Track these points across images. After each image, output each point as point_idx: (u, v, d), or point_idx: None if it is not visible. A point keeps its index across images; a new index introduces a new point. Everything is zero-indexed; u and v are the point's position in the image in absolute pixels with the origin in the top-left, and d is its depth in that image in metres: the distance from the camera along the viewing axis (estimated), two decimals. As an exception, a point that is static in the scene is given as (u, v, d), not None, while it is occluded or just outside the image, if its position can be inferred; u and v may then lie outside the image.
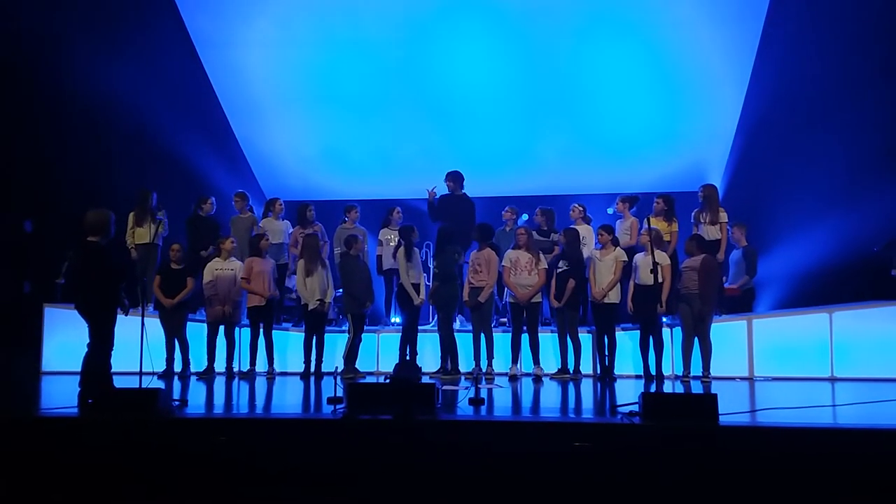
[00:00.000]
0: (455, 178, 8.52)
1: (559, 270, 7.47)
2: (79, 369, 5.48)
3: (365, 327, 7.89)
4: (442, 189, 8.63)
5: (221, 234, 8.47)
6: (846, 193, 8.41)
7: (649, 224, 6.44)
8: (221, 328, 7.79)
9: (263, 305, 7.77)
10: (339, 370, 6.60)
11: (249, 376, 7.69)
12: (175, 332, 7.74)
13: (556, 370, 7.55)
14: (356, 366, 7.68)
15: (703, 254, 7.26)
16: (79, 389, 5.39)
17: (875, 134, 8.31)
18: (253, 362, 7.80)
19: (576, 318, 7.53)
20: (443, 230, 7.76)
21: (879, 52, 8.21)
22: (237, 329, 8.07)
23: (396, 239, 8.22)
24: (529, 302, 7.46)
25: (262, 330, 7.84)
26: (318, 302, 7.57)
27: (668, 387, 6.84)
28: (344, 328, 8.04)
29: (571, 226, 8.12)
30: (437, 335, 7.75)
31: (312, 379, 7.50)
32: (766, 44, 8.80)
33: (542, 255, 7.56)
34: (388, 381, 5.35)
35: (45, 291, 8.70)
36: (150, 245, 8.43)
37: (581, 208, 8.56)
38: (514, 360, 7.51)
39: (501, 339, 7.77)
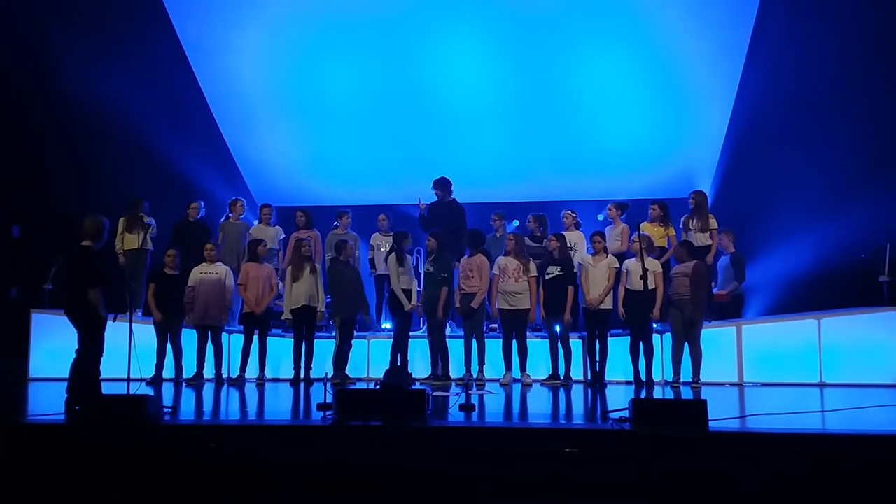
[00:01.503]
0: (442, 185, 8.51)
1: (550, 276, 7.47)
2: (66, 376, 5.44)
3: (355, 333, 7.86)
4: (426, 196, 8.63)
5: (212, 239, 8.45)
6: (834, 200, 8.48)
7: (639, 231, 6.47)
8: (209, 334, 7.75)
9: (256, 312, 7.74)
10: (329, 376, 6.60)
11: (239, 382, 7.65)
12: (171, 339, 7.69)
13: (546, 376, 7.55)
14: (346, 371, 7.65)
15: (693, 260, 7.29)
16: (66, 396, 5.35)
17: (863, 141, 8.39)
18: (243, 368, 7.75)
19: (568, 324, 7.53)
20: (439, 235, 7.74)
21: (867, 62, 8.30)
22: (227, 335, 8.03)
23: (388, 244, 8.22)
24: (518, 309, 7.46)
25: (255, 336, 7.80)
26: (290, 314, 7.58)
27: (658, 393, 6.85)
28: (333, 334, 8.02)
29: (562, 231, 8.13)
30: (427, 341, 7.73)
31: (302, 385, 7.46)
32: (755, 52, 8.87)
33: (531, 263, 7.54)
34: (377, 387, 5.33)
35: (32, 297, 8.63)
36: (139, 251, 8.39)
37: (573, 215, 8.59)
38: (507, 366, 7.50)
39: (492, 346, 7.76)
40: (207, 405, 6.16)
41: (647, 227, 8.07)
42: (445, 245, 7.69)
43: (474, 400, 5.56)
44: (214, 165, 10.39)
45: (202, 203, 8.86)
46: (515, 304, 7.43)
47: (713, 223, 8.18)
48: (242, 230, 8.92)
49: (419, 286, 8.23)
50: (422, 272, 8.03)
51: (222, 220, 9.04)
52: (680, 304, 7.17)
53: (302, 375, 7.64)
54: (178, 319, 7.72)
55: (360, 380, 7.94)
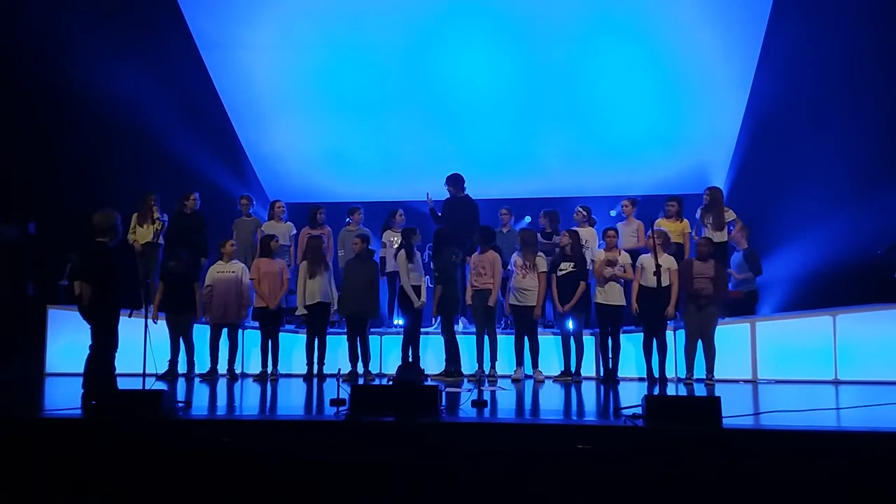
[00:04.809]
0: (454, 182, 8.50)
1: (563, 272, 7.46)
2: (82, 371, 5.49)
3: (370, 329, 7.87)
4: (440, 194, 8.62)
5: (208, 231, 8.51)
6: (850, 196, 8.41)
7: (652, 227, 6.44)
8: (225, 330, 7.79)
9: (270, 307, 7.77)
10: (342, 372, 6.62)
11: (262, 378, 7.67)
12: (182, 334, 7.74)
13: (559, 373, 7.54)
14: (357, 368, 7.66)
15: (711, 258, 7.27)
16: (82, 391, 5.40)
17: (878, 136, 8.31)
18: (265, 364, 7.76)
19: (582, 320, 7.52)
20: (439, 232, 7.75)
21: (881, 55, 8.21)
22: (241, 331, 8.07)
23: (399, 241, 8.22)
24: (527, 305, 7.44)
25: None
26: (304, 310, 7.60)
27: (671, 390, 6.83)
28: (345, 330, 8.04)
29: (574, 227, 8.10)
30: (439, 337, 7.74)
31: (315, 381, 7.49)
32: (769, 46, 8.79)
33: (538, 259, 7.50)
34: (391, 383, 5.35)
35: (48, 293, 8.71)
36: (152, 246, 8.44)
37: (585, 211, 8.56)
38: (519, 363, 7.50)
39: (505, 342, 7.76)
40: (221, 400, 6.20)
41: (662, 224, 8.04)
42: (443, 242, 7.67)
43: (486, 396, 5.57)
44: (226, 161, 10.43)
45: (198, 194, 8.81)
46: (524, 301, 7.43)
47: (731, 215, 8.16)
48: (254, 227, 8.96)
49: (430, 283, 8.23)
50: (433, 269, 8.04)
51: (238, 217, 9.09)
52: (699, 302, 7.13)
53: (315, 371, 7.67)
54: (188, 317, 7.76)
55: (376, 376, 7.95)
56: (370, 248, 7.92)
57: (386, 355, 8.22)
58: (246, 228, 8.93)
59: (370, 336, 7.89)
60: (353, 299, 7.61)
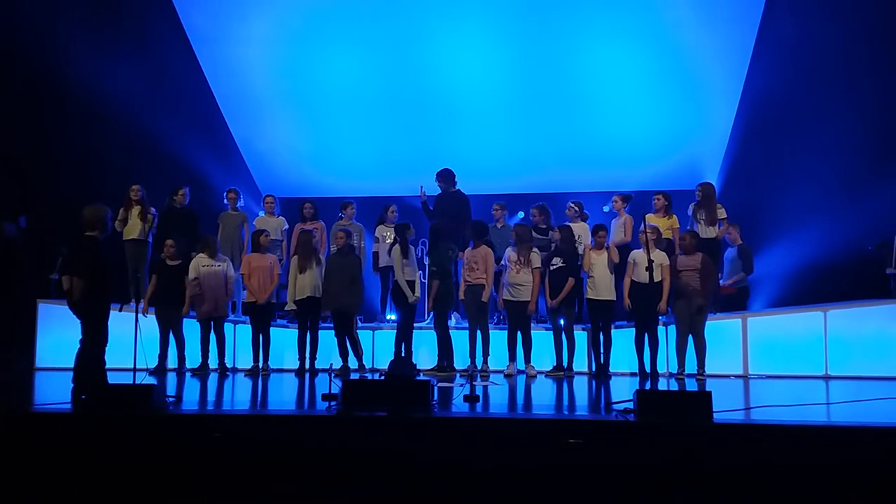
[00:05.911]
0: (445, 177, 8.47)
1: (554, 267, 7.47)
2: (72, 365, 5.46)
3: (359, 324, 7.85)
4: (431, 189, 8.61)
5: (199, 227, 8.48)
6: (840, 192, 8.45)
7: (644, 222, 6.44)
8: (212, 324, 7.77)
9: (259, 302, 7.75)
10: (334, 367, 6.62)
11: (253, 373, 7.65)
12: (172, 328, 7.71)
13: (550, 367, 7.55)
14: (349, 363, 7.65)
15: (698, 251, 7.27)
16: (72, 385, 5.37)
17: (869, 133, 8.35)
18: (256, 358, 7.75)
19: (571, 315, 7.53)
20: (435, 227, 7.75)
21: (874, 52, 8.25)
22: (232, 325, 8.04)
23: (392, 236, 8.21)
24: (520, 300, 7.45)
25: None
26: (294, 305, 7.60)
27: (662, 384, 6.85)
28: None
29: (567, 223, 8.11)
30: (432, 332, 7.74)
31: (307, 376, 7.48)
32: (762, 43, 8.82)
33: (532, 255, 7.51)
34: (383, 377, 5.34)
35: (38, 287, 8.66)
36: (140, 241, 8.39)
37: (577, 206, 8.56)
38: (512, 358, 7.51)
39: (497, 337, 7.76)
40: (212, 395, 6.19)
41: (651, 219, 8.03)
42: (440, 237, 7.66)
43: (478, 391, 5.57)
44: (219, 156, 10.38)
45: (188, 189, 8.78)
46: (518, 296, 7.43)
47: (722, 213, 8.17)
48: (240, 221, 8.92)
49: (423, 278, 8.23)
50: (427, 264, 8.03)
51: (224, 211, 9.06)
52: (687, 296, 7.15)
53: (307, 366, 7.66)
54: (178, 310, 7.73)
55: (367, 371, 7.95)
56: (351, 243, 7.90)
57: (378, 350, 8.21)
58: (231, 222, 8.89)
59: (362, 330, 7.87)
60: (334, 295, 7.59)
